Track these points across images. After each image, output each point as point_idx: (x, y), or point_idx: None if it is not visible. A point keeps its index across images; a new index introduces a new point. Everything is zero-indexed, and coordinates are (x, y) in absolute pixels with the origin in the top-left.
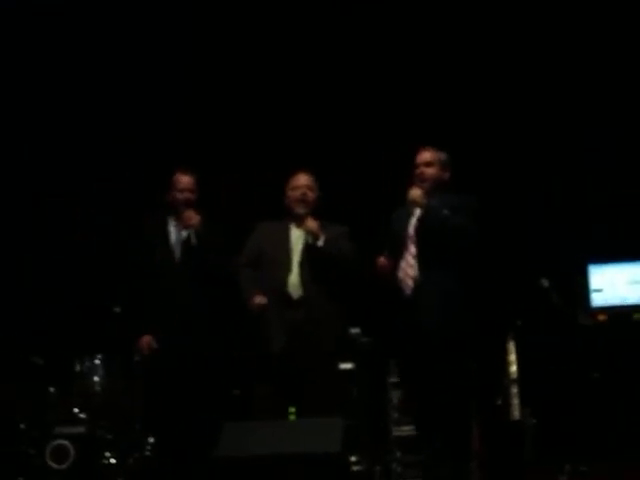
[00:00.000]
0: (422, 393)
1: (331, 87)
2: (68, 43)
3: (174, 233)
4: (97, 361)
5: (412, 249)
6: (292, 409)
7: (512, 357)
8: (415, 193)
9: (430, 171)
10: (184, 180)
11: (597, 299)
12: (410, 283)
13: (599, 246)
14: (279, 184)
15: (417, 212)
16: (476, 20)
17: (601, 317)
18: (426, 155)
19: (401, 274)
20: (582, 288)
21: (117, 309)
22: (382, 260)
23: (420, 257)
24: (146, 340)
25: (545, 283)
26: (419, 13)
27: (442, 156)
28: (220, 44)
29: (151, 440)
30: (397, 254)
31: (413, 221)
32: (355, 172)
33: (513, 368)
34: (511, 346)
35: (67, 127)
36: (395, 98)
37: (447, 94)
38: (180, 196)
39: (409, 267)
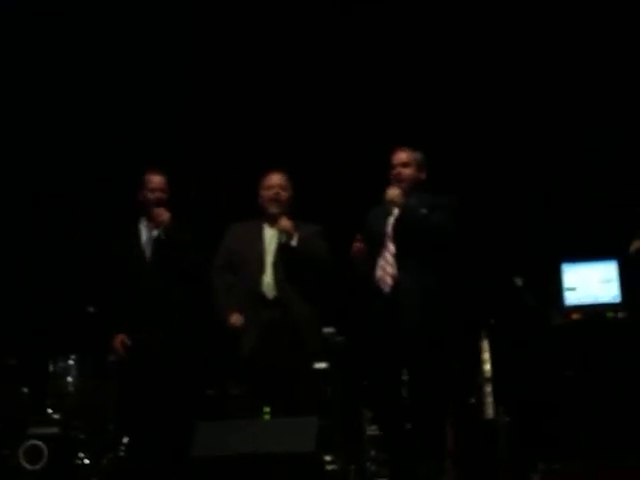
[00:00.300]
0: (393, 392)
1: (320, 87)
2: (68, 43)
3: (145, 233)
4: (71, 361)
5: (391, 248)
6: (267, 409)
7: (486, 356)
8: (393, 192)
9: (407, 171)
10: (155, 180)
11: (570, 298)
12: (389, 281)
13: (572, 245)
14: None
15: (395, 211)
16: (476, 20)
17: (575, 316)
18: (402, 156)
19: (380, 273)
20: (555, 287)
21: (91, 309)
22: (357, 245)
23: (399, 256)
24: (120, 339)
25: (518, 282)
26: (416, 12)
27: (418, 156)
28: (220, 45)
29: (125, 440)
30: (375, 253)
31: (391, 220)
32: (333, 171)
33: (487, 367)
34: (484, 345)
35: (67, 127)
36: (387, 97)
37: (432, 93)
38: (151, 196)
39: (388, 265)
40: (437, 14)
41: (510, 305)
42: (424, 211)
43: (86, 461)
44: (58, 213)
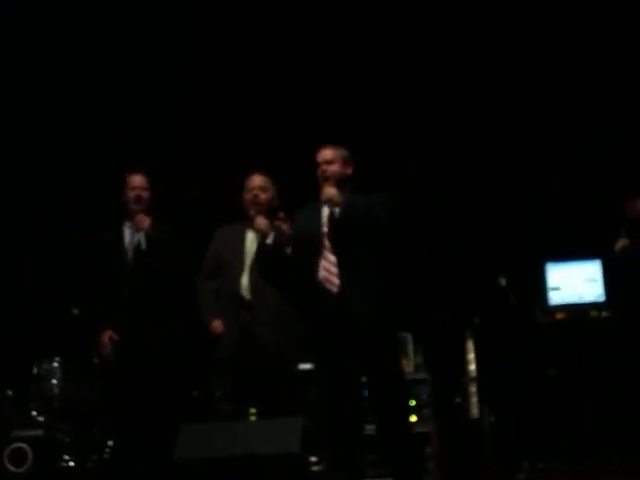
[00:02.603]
0: (352, 392)
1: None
2: (68, 43)
3: (128, 235)
4: (55, 364)
5: (331, 247)
6: (252, 410)
7: (470, 355)
8: (331, 191)
9: (332, 168)
10: (135, 179)
11: (555, 297)
12: (335, 281)
13: (556, 244)
14: (278, 184)
15: (326, 210)
16: (481, 21)
17: (559, 315)
18: (326, 153)
19: (324, 273)
20: (539, 286)
21: (75, 311)
22: (280, 222)
23: (341, 255)
24: (108, 334)
25: (503, 282)
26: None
27: (343, 152)
28: (220, 45)
29: (110, 443)
30: (312, 254)
31: (325, 219)
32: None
33: (471, 366)
34: (469, 344)
35: (67, 127)
36: (391, 97)
37: (430, 93)
38: (131, 194)
39: (332, 266)
40: (435, 14)
41: (494, 305)
42: (361, 208)
43: (71, 463)
44: (44, 216)
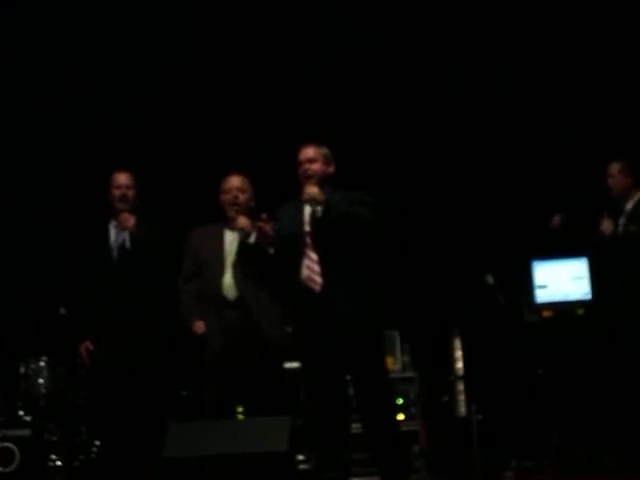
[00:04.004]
0: (338, 391)
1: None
2: (68, 43)
3: (113, 234)
4: (42, 363)
5: (313, 246)
6: (240, 409)
7: (458, 354)
8: (313, 190)
9: (315, 167)
10: (120, 177)
11: (541, 295)
12: (318, 280)
13: (542, 242)
14: (278, 184)
15: (308, 208)
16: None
17: (546, 313)
18: (309, 152)
19: (307, 272)
20: (526, 284)
21: (63, 310)
22: (262, 224)
23: (324, 253)
24: (84, 347)
25: (490, 280)
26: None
27: (325, 151)
28: (219, 46)
29: (97, 442)
30: (294, 253)
31: (307, 217)
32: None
33: (459, 365)
34: (456, 343)
35: (66, 127)
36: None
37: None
38: (116, 192)
39: (315, 264)
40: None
41: (481, 303)
42: (344, 207)
43: (58, 463)
44: (32, 215)
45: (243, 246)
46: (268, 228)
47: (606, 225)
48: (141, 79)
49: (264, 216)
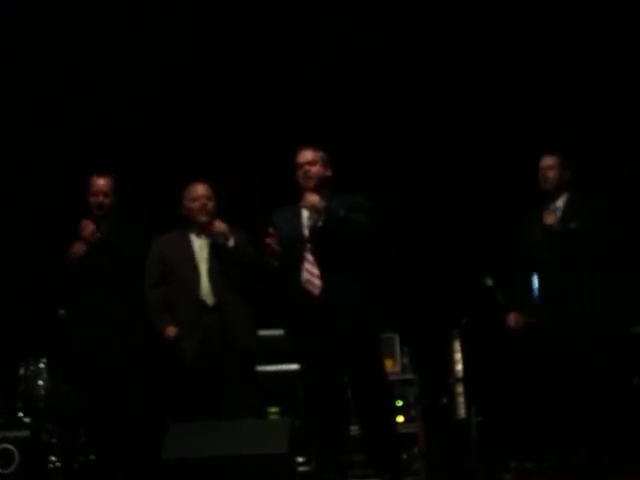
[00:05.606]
0: (337, 393)
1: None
2: (68, 44)
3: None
4: (42, 364)
5: (313, 251)
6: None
7: (457, 356)
8: (313, 198)
9: (314, 169)
10: (98, 183)
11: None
12: (317, 283)
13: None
14: (278, 184)
15: (306, 213)
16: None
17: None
18: (308, 154)
19: (306, 276)
20: (527, 286)
21: (62, 312)
22: (270, 240)
23: (323, 259)
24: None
25: (489, 282)
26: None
27: (322, 154)
28: (219, 46)
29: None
30: (292, 257)
31: (305, 223)
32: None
33: (458, 367)
34: (456, 345)
35: (66, 127)
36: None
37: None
38: (93, 200)
39: (313, 268)
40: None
41: (481, 305)
42: (342, 212)
43: (58, 464)
44: (29, 216)
45: (219, 250)
46: (274, 243)
47: (550, 218)
48: (141, 79)
49: (271, 231)
